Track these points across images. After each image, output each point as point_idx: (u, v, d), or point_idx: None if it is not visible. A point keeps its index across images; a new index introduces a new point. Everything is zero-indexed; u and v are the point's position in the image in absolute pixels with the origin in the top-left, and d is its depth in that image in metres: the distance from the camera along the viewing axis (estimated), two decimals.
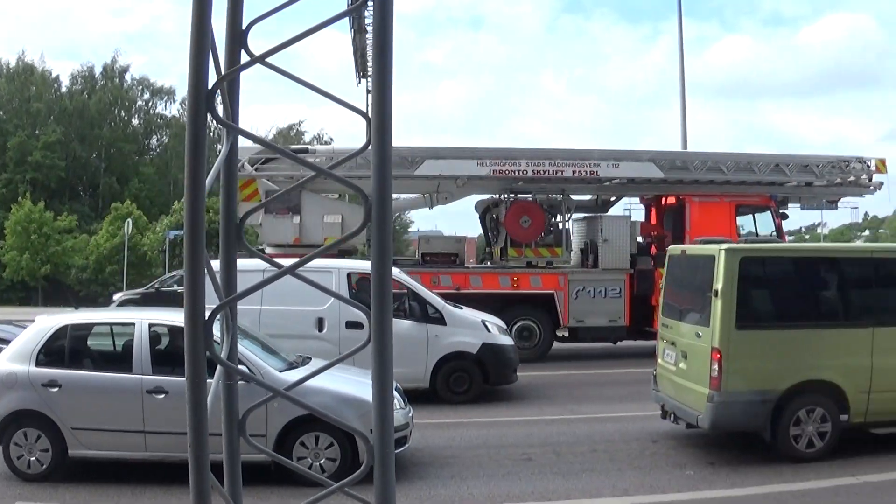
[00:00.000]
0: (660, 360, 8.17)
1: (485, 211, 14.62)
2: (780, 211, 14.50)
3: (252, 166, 13.16)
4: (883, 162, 14.82)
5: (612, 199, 15.12)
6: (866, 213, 54.07)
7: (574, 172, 13.74)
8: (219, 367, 1.02)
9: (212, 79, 0.98)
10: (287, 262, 1.19)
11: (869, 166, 14.68)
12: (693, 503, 5.93)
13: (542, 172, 13.69)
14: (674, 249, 8.55)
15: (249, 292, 1.01)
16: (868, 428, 7.37)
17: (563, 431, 8.28)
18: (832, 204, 14.95)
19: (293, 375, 6.05)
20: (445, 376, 9.87)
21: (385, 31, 0.99)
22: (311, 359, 6.92)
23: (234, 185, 1.13)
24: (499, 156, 13.72)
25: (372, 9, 1.08)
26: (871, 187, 14.84)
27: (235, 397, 1.05)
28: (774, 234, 13.76)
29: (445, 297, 10.26)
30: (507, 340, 10.42)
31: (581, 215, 14.69)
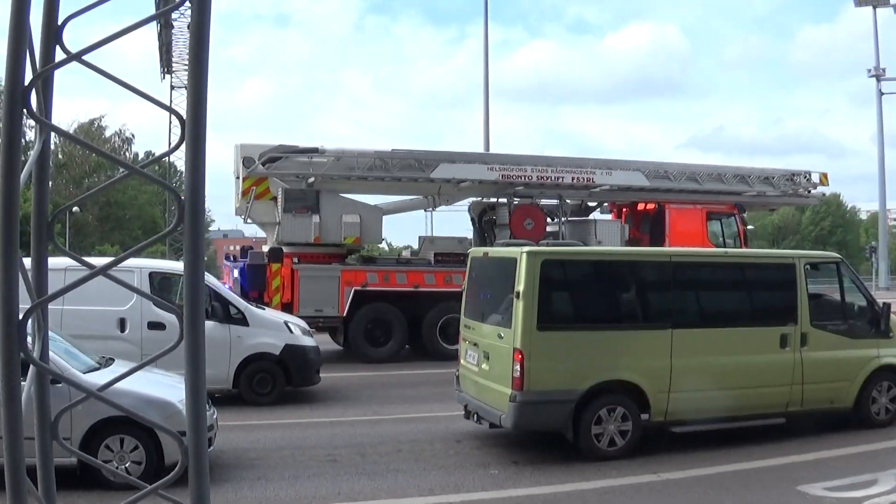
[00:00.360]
0: (462, 361, 8.80)
1: (481, 213, 16.41)
2: (742, 216, 17.25)
3: (264, 165, 14.50)
4: (825, 175, 17.75)
5: (594, 204, 17.37)
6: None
7: (573, 179, 15.95)
8: (32, 368, 1.07)
9: (27, 75, 1.01)
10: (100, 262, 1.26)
11: (810, 179, 17.74)
12: (497, 502, 6.34)
13: (545, 178, 15.82)
14: (476, 252, 9.22)
15: (64, 292, 1.06)
16: (669, 427, 8.23)
17: (367, 432, 8.73)
18: (772, 211, 17.73)
19: (98, 377, 6.18)
20: (249, 378, 10.25)
21: (202, 33, 1.02)
22: (113, 360, 7.12)
23: (47, 184, 1.16)
24: (507, 161, 15.73)
25: (189, 5, 1.10)
26: (814, 198, 18.47)
27: (48, 399, 1.08)
28: (736, 239, 16.70)
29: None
30: (309, 342, 10.86)
31: (571, 219, 16.51)
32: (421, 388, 11.66)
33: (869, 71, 33.14)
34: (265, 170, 14.50)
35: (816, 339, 8.69)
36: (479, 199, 16.46)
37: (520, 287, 7.55)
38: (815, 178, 17.82)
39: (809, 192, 18.00)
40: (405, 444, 8.22)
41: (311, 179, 14.71)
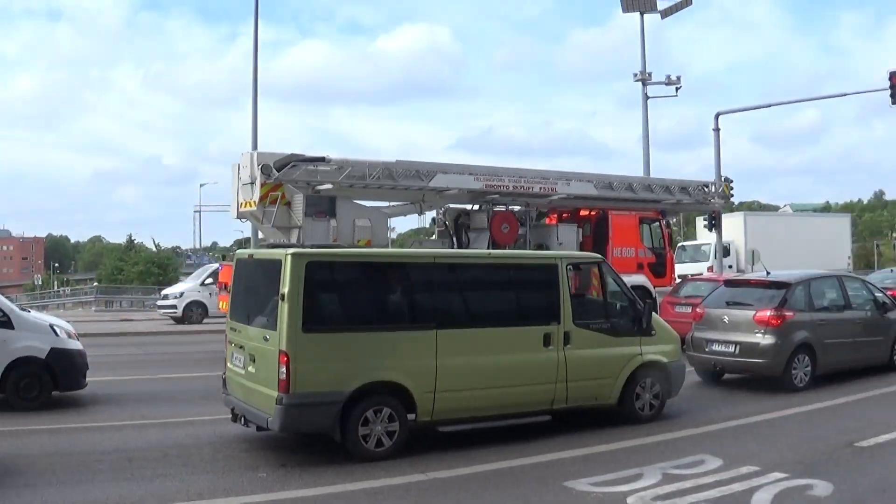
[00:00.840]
0: (229, 364, 10.17)
1: (456, 218, 22.48)
2: (666, 221, 24.82)
3: (279, 171, 18.90)
4: (728, 184, 26.92)
5: (545, 211, 23.82)
6: (433, 219, 64.87)
7: (540, 188, 22.36)
8: None
9: None
10: None
11: (718, 188, 26.59)
12: None
13: (518, 188, 22.08)
14: (241, 253, 10.76)
15: None
16: (436, 426, 9.82)
17: (134, 437, 9.90)
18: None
19: None
20: (15, 382, 11.46)
21: None
22: None
23: None
24: (488, 173, 21.84)
25: None
26: (721, 204, 27.54)
27: None
28: (661, 241, 24.32)
29: None
30: (76, 345, 12.19)
31: (536, 223, 22.99)
32: (188, 392, 13.18)
33: (635, 75, 37.32)
34: (282, 177, 19.02)
35: (579, 338, 10.78)
36: (453, 205, 22.45)
37: (284, 289, 8.83)
38: (721, 188, 27.04)
39: (713, 199, 26.22)
40: (172, 449, 9.37)
41: (327, 186, 19.52)
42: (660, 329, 12.15)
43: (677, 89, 37.34)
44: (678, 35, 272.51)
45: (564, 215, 24.21)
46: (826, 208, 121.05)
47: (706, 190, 25.99)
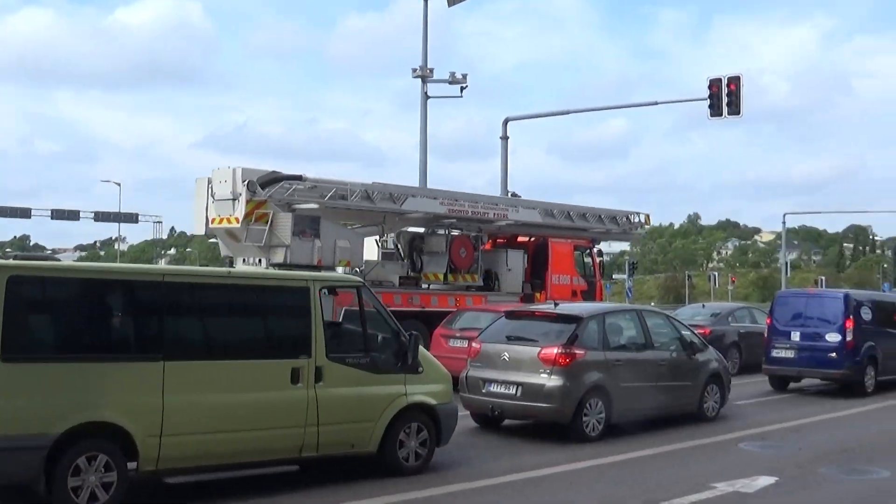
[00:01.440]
0: None
1: (411, 241, 29.05)
2: (597, 249, 33.57)
3: (263, 189, 24.64)
4: (648, 217, 35.67)
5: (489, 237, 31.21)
6: (173, 229, 65.84)
7: (493, 214, 29.69)
8: None
9: None
10: None
11: (640, 219, 35.19)
12: None
13: (475, 213, 29.19)
14: None
15: None
16: (162, 477, 10.54)
17: None
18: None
19: None
20: None
21: None
22: None
23: None
24: (450, 197, 28.75)
25: None
26: (640, 234, 37.32)
27: None
28: (589, 268, 32.86)
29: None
30: None
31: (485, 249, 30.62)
32: None
33: (414, 70, 39.04)
34: (275, 195, 24.72)
35: (333, 374, 11.91)
36: (407, 229, 29.17)
37: None
38: (643, 218, 35.42)
39: (636, 230, 35.42)
40: None
41: (311, 206, 25.43)
42: (428, 366, 13.42)
43: (462, 89, 39.21)
44: (468, 28, 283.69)
45: (499, 241, 31.77)
46: None
47: (630, 220, 34.58)
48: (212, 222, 25.57)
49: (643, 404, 17.57)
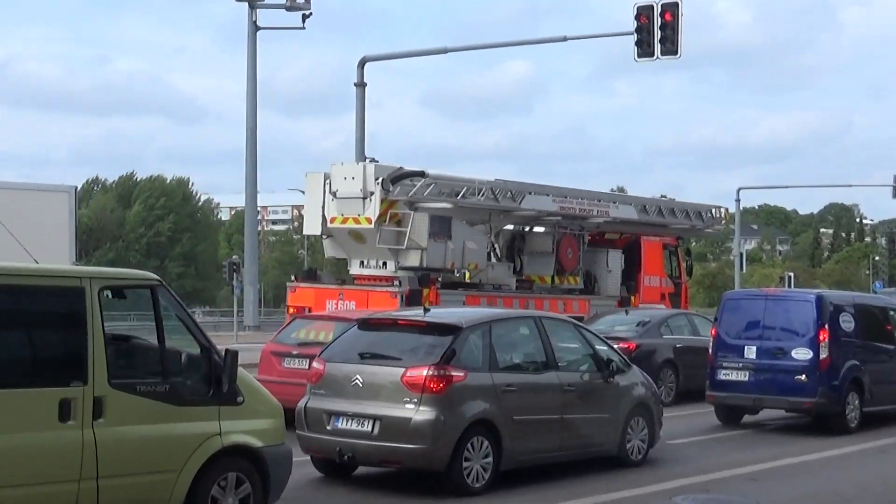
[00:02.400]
0: None
1: (511, 241, 37.41)
2: (684, 248, 42.58)
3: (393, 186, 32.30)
4: (727, 211, 46.86)
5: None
6: None
7: (597, 212, 37.40)
8: None
9: None
10: None
11: (721, 213, 44.68)
12: None
13: (583, 210, 37.29)
14: None
15: None
16: None
17: None
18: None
19: None
20: None
21: None
22: None
23: None
24: (559, 194, 36.68)
25: None
26: (721, 229, 53.42)
27: None
28: (676, 269, 41.62)
29: None
30: None
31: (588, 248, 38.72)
32: None
33: None
34: (397, 194, 32.26)
35: (120, 407, 12.00)
36: (507, 227, 37.22)
37: None
38: (723, 212, 44.29)
39: (717, 225, 44.53)
40: None
41: (445, 205, 33.42)
42: (252, 394, 13.68)
43: (305, 18, 40.22)
44: None
45: (589, 238, 38.95)
46: None
47: (713, 215, 42.92)
48: (331, 221, 33.07)
49: (544, 444, 18.10)
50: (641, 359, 27.26)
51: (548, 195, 35.99)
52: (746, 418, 27.02)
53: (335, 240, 34.09)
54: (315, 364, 17.98)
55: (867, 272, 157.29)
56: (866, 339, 26.60)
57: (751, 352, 25.91)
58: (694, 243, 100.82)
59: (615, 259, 38.61)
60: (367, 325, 18.57)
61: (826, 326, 25.34)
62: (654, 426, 20.48)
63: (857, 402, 25.75)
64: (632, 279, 39.44)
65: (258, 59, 40.41)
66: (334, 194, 32.59)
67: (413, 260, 31.69)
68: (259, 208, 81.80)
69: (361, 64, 42.95)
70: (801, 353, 25.32)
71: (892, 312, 28.33)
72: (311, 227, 34.20)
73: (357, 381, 17.04)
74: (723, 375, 26.22)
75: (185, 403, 12.93)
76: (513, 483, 17.27)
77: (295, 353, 22.90)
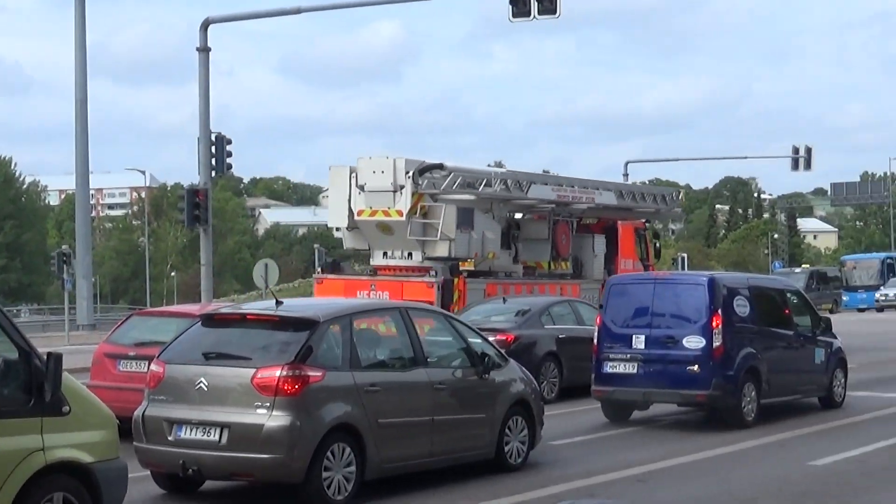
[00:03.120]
0: None
1: (507, 229, 41.25)
2: (654, 232, 49.18)
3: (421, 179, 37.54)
4: (682, 192, 72.84)
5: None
6: None
7: (585, 198, 42.88)
8: None
9: None
10: None
11: (678, 195, 52.15)
12: None
13: (574, 198, 42.77)
14: None
15: None
16: None
17: None
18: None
19: None
20: None
21: None
22: None
23: None
24: (556, 182, 43.80)
25: None
26: (679, 212, 57.53)
27: None
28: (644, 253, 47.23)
29: None
30: None
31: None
32: None
33: None
34: (426, 186, 36.94)
35: None
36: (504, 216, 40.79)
37: None
38: (678, 194, 51.55)
39: (677, 208, 50.70)
40: None
41: (468, 196, 38.02)
42: (80, 403, 13.41)
43: None
44: None
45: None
46: None
47: (674, 197, 48.38)
48: (358, 214, 37.41)
49: (413, 450, 18.16)
50: (520, 352, 27.78)
51: (547, 184, 41.56)
52: (636, 414, 27.29)
53: (359, 232, 38.46)
54: (153, 366, 17.68)
55: (766, 251, 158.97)
56: (763, 324, 27.01)
57: (639, 341, 26.00)
58: None
59: (600, 244, 43.98)
60: (212, 321, 18.39)
61: (719, 312, 25.52)
62: (534, 426, 20.57)
63: (753, 393, 26.07)
64: (611, 263, 44.47)
65: (87, 20, 39.71)
66: (361, 188, 37.11)
67: (441, 250, 36.69)
68: (93, 191, 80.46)
69: (205, 26, 43.16)
70: (693, 342, 25.47)
71: (789, 295, 28.93)
72: (338, 220, 38.99)
73: (201, 384, 16.84)
74: (609, 368, 26.28)
75: (1, 416, 12.62)
76: (379, 494, 17.35)
77: (132, 354, 22.59)
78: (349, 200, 37.50)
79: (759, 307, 27.00)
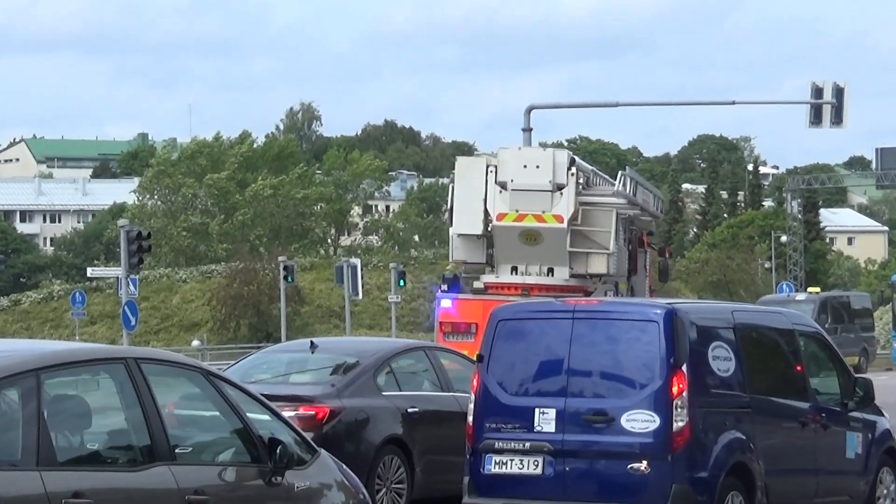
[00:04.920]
0: None
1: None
2: (660, 248, 59.43)
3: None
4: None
5: None
6: None
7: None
8: None
9: None
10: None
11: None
12: None
13: (645, 202, 52.00)
14: None
15: None
16: None
17: None
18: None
19: None
20: None
21: None
22: None
23: None
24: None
25: None
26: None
27: None
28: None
29: None
30: None
31: None
32: None
33: None
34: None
35: None
36: None
37: None
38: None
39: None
40: None
41: (621, 201, 40.21)
42: None
43: None
44: None
45: None
46: None
47: (661, 199, 51.00)
48: (499, 218, 33.61)
49: None
50: (340, 437, 22.68)
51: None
52: None
53: (484, 241, 35.20)
54: None
55: (767, 265, 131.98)
56: (759, 391, 20.23)
57: (547, 420, 19.00)
58: None
59: (643, 260, 42.91)
60: None
61: (683, 369, 18.64)
62: None
63: None
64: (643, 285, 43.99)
65: None
66: (503, 185, 34.14)
67: (599, 266, 33.87)
68: None
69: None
70: (640, 421, 18.59)
71: (804, 340, 22.27)
72: (469, 226, 34.85)
73: None
74: (495, 467, 19.43)
75: None
76: None
77: None
78: (485, 201, 34.24)
79: (752, 361, 20.24)
